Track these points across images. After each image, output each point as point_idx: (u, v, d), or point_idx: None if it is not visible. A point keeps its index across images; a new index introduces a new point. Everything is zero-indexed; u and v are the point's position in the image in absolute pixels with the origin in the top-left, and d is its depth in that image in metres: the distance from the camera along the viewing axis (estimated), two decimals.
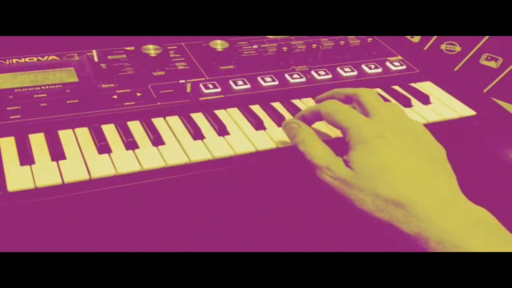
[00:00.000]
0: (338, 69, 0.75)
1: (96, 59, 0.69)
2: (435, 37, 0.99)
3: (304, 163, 0.52)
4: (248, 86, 0.69)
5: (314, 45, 0.77)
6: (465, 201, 0.47)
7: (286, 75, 0.72)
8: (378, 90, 0.73)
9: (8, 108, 0.59)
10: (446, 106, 0.71)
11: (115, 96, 0.63)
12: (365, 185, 0.47)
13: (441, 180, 0.48)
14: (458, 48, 0.98)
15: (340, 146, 0.51)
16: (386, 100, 0.70)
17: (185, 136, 0.59)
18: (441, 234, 0.43)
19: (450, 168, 0.50)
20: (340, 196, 0.49)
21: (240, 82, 0.69)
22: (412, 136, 0.50)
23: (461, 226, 0.44)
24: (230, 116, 0.64)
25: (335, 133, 0.61)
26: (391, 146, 0.48)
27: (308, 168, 0.51)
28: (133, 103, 0.63)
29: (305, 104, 0.68)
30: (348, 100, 0.56)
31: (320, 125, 0.61)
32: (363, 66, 0.77)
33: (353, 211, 0.48)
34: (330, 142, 0.53)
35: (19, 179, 0.50)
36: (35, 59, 0.69)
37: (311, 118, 0.56)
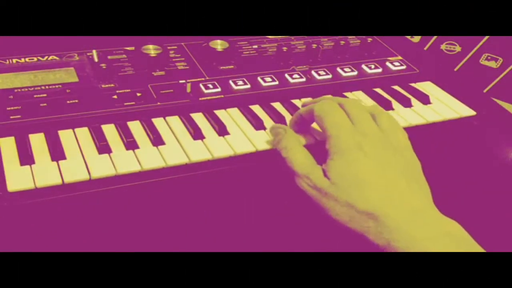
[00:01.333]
0: (338, 69, 0.75)
1: (96, 59, 0.69)
2: (435, 37, 0.99)
3: (286, 170, 0.52)
4: (248, 86, 0.69)
5: (314, 45, 0.77)
6: (437, 214, 0.48)
7: (286, 75, 0.72)
8: (378, 90, 0.73)
9: (8, 108, 0.59)
10: (446, 106, 0.71)
11: (115, 96, 0.63)
12: (340, 196, 0.48)
13: (414, 193, 0.48)
14: (458, 48, 0.98)
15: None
16: (386, 100, 0.70)
17: (185, 136, 0.59)
18: (409, 244, 0.44)
19: (425, 181, 0.51)
20: (316, 205, 0.50)
21: (240, 82, 0.69)
22: (391, 149, 0.50)
23: (430, 237, 0.44)
24: (230, 116, 0.64)
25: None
26: (368, 159, 0.49)
27: (289, 174, 0.52)
28: (133, 103, 0.63)
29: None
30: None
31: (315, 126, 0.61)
32: (363, 66, 0.77)
33: (328, 220, 0.48)
34: (320, 144, 0.53)
35: (19, 179, 0.50)
36: (35, 59, 0.69)
37: (308, 118, 0.56)
